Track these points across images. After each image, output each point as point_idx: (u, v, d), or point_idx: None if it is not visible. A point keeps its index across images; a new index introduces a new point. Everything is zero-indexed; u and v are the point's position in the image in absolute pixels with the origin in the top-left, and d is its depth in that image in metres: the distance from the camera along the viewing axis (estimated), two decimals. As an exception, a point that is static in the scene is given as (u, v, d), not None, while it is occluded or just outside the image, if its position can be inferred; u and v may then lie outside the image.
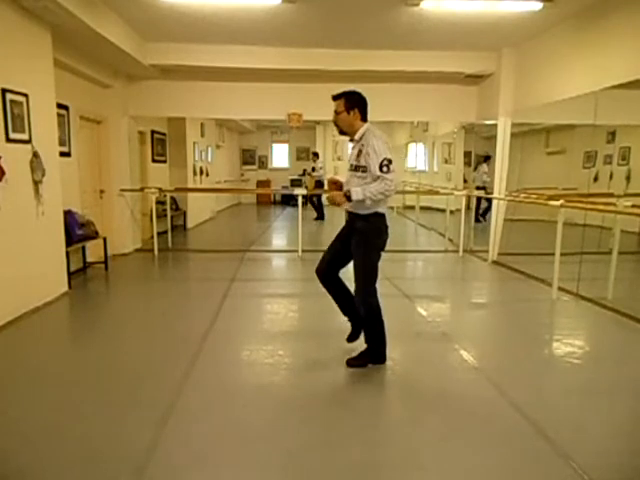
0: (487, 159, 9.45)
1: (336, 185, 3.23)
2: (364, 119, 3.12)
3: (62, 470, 2.16)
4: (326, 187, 3.32)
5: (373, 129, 3.09)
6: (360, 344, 3.31)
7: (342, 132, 3.19)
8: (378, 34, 5.97)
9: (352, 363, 3.24)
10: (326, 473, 2.17)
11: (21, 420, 2.58)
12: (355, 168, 3.08)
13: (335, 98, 3.13)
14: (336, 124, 3.18)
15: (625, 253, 5.50)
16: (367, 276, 3.13)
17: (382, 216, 3.10)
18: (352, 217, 3.15)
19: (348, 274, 3.25)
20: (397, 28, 5.70)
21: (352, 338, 3.38)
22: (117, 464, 2.18)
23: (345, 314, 3.39)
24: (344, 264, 3.28)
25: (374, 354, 3.26)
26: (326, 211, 12.07)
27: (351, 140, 3.17)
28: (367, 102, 3.13)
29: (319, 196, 12.11)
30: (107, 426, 2.50)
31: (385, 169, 2.90)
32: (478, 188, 8.06)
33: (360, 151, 3.04)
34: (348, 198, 2.97)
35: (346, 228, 3.24)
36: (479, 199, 8.35)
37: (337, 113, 3.12)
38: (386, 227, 3.15)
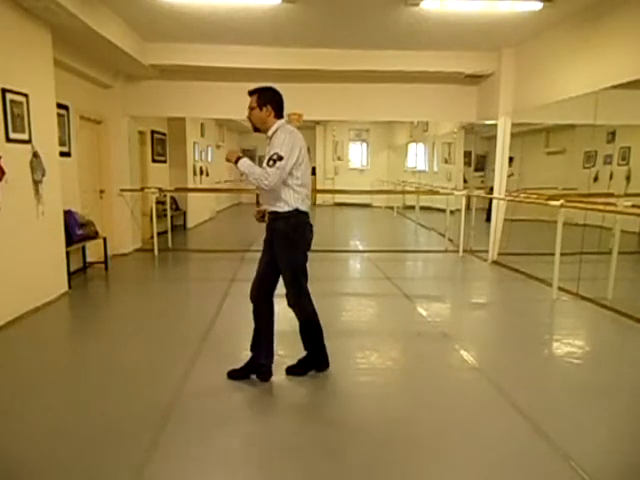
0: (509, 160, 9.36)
1: (260, 212, 3.07)
2: (278, 116, 2.98)
3: (62, 469, 2.16)
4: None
5: (287, 126, 2.98)
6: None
7: (256, 129, 3.06)
8: (378, 34, 5.96)
9: (292, 371, 3.10)
10: (327, 473, 2.17)
11: (21, 419, 2.58)
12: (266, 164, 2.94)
13: (250, 94, 3.04)
14: (250, 120, 3.06)
15: (625, 253, 5.50)
16: (295, 279, 2.99)
17: (304, 214, 2.94)
18: (270, 219, 2.99)
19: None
20: (397, 28, 5.70)
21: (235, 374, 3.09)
22: (117, 464, 2.18)
23: (252, 349, 3.14)
24: (275, 280, 3.07)
25: (315, 360, 3.14)
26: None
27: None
28: (282, 99, 3.03)
29: None
30: (107, 426, 2.50)
31: (271, 162, 2.76)
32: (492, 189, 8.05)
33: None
34: (238, 162, 2.83)
35: (267, 233, 3.04)
36: (490, 199, 8.31)
37: (250, 109, 3.02)
38: (310, 226, 3.00)
